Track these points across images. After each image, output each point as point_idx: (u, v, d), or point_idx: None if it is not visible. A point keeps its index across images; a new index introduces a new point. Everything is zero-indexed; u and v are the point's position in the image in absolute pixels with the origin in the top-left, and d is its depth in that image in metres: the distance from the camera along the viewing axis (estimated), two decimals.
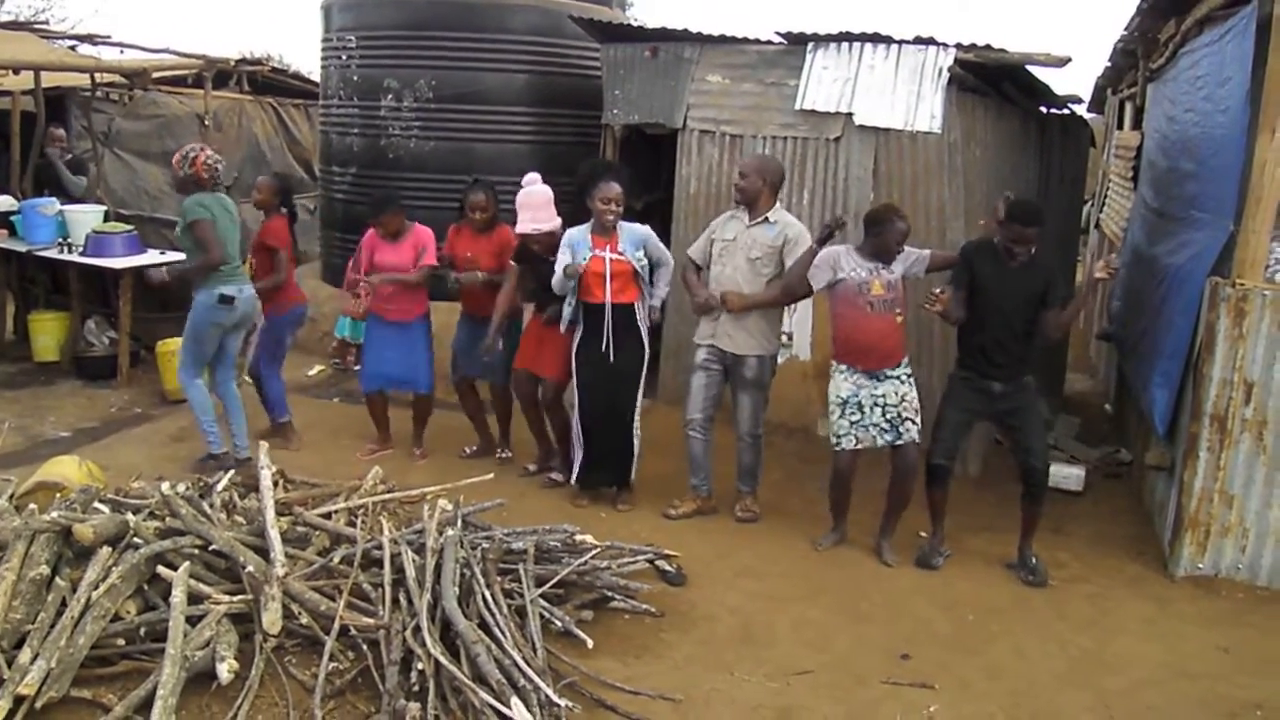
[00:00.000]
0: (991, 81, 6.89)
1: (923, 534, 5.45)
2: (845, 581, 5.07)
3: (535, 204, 5.81)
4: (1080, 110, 9.51)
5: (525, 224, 5.80)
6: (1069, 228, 9.56)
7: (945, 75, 6.32)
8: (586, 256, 5.52)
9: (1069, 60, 6.20)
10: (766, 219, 5.48)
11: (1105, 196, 10.71)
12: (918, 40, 6.42)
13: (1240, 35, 5.05)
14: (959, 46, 6.34)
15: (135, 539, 3.95)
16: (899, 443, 5.20)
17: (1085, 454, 6.90)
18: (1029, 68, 6.61)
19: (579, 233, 5.62)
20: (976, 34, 6.42)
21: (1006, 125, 7.23)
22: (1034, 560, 5.20)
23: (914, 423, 5.19)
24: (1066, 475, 6.30)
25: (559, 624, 4.12)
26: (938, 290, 5.06)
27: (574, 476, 5.87)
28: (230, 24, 40.48)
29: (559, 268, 5.55)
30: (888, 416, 5.16)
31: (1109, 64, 10.01)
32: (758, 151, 6.68)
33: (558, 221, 5.84)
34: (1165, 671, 4.36)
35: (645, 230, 5.68)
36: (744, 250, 5.49)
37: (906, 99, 6.41)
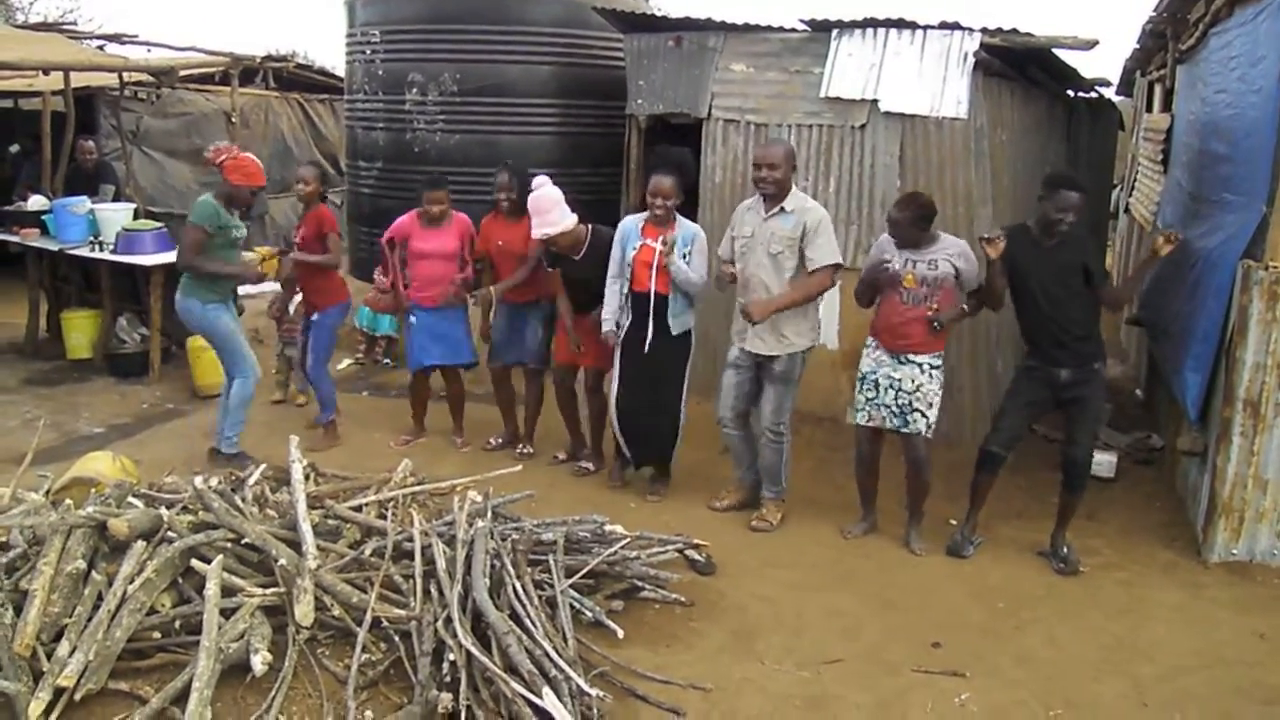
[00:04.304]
0: (1018, 65, 6.82)
1: (953, 521, 5.42)
2: (875, 570, 5.06)
3: (544, 207, 5.69)
4: (1108, 93, 9.41)
5: (537, 229, 5.72)
6: (1098, 212, 9.46)
7: (971, 60, 6.26)
8: (636, 245, 5.53)
9: (1096, 43, 6.13)
10: (783, 209, 5.26)
11: (1134, 180, 10.59)
12: (943, 25, 6.37)
13: (1274, 14, 4.98)
14: (984, 31, 6.28)
15: (169, 533, 3.99)
16: (905, 431, 5.17)
17: (1117, 440, 6.84)
18: (1056, 51, 6.54)
19: (632, 222, 5.66)
20: (1002, 17, 6.35)
21: (1033, 109, 7.16)
22: (1066, 548, 5.16)
23: (924, 416, 5.12)
24: (1098, 462, 6.22)
25: (589, 614, 4.14)
26: (998, 232, 4.97)
27: (622, 460, 5.93)
28: (255, 21, 40.80)
29: (613, 261, 5.60)
30: (899, 402, 5.14)
31: (1137, 46, 9.89)
32: (782, 139, 6.64)
33: (573, 219, 5.72)
34: (1200, 658, 4.32)
35: (700, 235, 5.62)
36: (764, 245, 5.29)
37: (932, 85, 6.36)
